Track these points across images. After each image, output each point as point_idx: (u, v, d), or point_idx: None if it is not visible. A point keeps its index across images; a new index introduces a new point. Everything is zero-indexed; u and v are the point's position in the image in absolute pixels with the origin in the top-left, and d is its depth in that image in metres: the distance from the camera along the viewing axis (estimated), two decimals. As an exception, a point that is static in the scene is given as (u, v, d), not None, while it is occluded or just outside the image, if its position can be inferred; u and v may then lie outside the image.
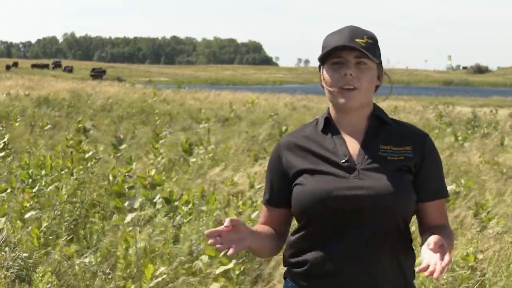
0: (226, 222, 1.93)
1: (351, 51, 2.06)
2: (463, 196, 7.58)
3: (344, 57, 2.07)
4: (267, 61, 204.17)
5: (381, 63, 2.14)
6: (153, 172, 6.24)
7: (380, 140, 2.11)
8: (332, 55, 2.08)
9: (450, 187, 7.22)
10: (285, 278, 2.21)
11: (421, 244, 2.08)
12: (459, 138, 14.18)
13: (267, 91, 37.30)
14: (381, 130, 2.14)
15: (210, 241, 1.93)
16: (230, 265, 4.35)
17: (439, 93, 53.55)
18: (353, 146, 2.11)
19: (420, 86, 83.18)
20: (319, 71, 2.17)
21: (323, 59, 2.12)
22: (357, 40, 2.06)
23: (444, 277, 4.87)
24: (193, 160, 9.43)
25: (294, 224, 2.20)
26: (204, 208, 6.30)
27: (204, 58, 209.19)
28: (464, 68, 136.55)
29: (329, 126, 2.15)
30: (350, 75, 2.06)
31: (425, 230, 2.14)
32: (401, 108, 26.50)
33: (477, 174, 10.00)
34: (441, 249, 1.86)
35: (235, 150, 11.51)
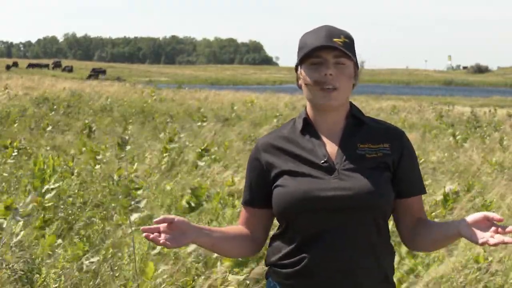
0: (157, 219, 1.98)
1: (330, 51, 2.08)
2: (463, 196, 7.59)
3: (323, 57, 2.09)
4: (267, 61, 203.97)
5: (357, 62, 2.15)
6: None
7: (358, 139, 2.13)
8: (311, 56, 2.09)
9: (449, 187, 7.23)
10: (267, 278, 2.22)
11: (405, 239, 2.21)
12: (459, 138, 14.20)
13: (267, 91, 37.29)
14: (358, 129, 2.16)
15: (144, 234, 1.98)
16: (242, 277, 4.36)
17: (439, 93, 53.53)
18: (331, 146, 2.13)
19: (420, 86, 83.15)
20: (296, 71, 2.18)
21: (301, 60, 2.13)
22: (335, 39, 2.08)
23: (459, 279, 4.88)
24: (202, 163, 9.45)
25: (275, 224, 2.22)
26: (209, 206, 6.34)
27: (204, 58, 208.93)
28: (464, 68, 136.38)
29: (308, 127, 2.16)
30: (330, 75, 2.07)
31: (409, 225, 2.18)
32: (401, 108, 26.51)
33: (477, 174, 10.01)
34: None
35: (236, 152, 11.52)
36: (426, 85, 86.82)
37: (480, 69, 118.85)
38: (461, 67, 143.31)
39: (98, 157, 8.68)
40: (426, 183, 8.48)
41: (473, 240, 1.95)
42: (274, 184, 2.13)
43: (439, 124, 19.35)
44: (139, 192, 6.07)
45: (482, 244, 1.92)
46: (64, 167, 8.05)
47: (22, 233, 4.95)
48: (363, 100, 32.65)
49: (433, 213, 6.84)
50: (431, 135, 15.77)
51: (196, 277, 4.80)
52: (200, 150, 9.67)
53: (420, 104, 28.24)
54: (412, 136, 15.02)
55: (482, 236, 1.93)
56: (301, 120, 2.17)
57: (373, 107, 27.40)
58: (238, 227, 2.24)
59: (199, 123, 16.00)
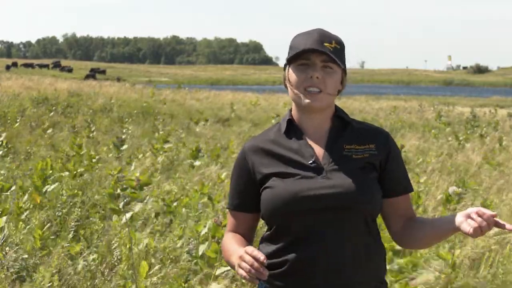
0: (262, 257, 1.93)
1: (320, 54, 2.09)
2: (465, 197, 7.57)
3: (311, 60, 2.11)
4: (267, 61, 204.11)
5: (345, 68, 2.17)
6: (146, 173, 6.29)
7: (344, 140, 2.15)
8: (300, 57, 2.11)
9: (452, 188, 7.23)
10: (258, 280, 2.21)
11: (392, 234, 2.23)
12: (459, 138, 14.19)
13: (267, 91, 37.29)
14: (344, 130, 2.18)
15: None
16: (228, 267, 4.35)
17: (439, 93, 53.54)
18: (317, 147, 2.14)
19: (420, 86, 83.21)
20: (284, 70, 2.20)
21: (290, 60, 2.14)
22: (325, 44, 2.10)
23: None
24: (198, 163, 9.44)
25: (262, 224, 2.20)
26: (207, 209, 6.35)
27: (204, 58, 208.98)
28: (464, 68, 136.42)
29: (293, 129, 2.18)
30: (316, 78, 2.09)
31: (399, 223, 2.20)
32: (402, 108, 26.50)
33: (477, 174, 10.01)
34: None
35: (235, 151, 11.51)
36: (426, 85, 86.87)
37: (480, 69, 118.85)
38: (461, 67, 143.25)
39: (94, 160, 8.66)
40: (421, 182, 8.45)
41: (470, 233, 1.97)
42: (263, 186, 2.13)
43: (438, 123, 19.34)
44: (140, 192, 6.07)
45: (475, 231, 1.95)
46: (64, 171, 8.03)
47: (6, 231, 4.93)
48: (363, 100, 32.63)
49: (434, 214, 6.84)
50: (431, 135, 15.76)
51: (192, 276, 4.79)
52: (193, 150, 9.63)
53: (420, 104, 28.22)
54: (412, 136, 15.01)
55: (474, 225, 1.96)
56: (285, 122, 2.18)
57: (373, 107, 27.39)
58: (237, 237, 2.21)
59: (199, 123, 15.98)
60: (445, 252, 4.79)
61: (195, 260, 4.84)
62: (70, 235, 5.62)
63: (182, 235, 5.48)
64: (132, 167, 8.38)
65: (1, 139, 9.25)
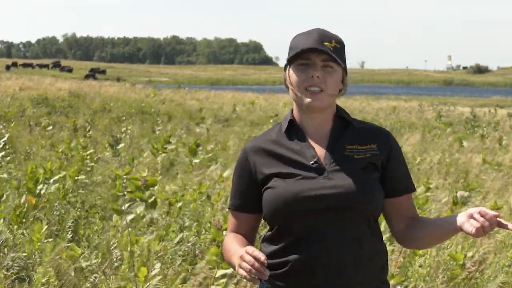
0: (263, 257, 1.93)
1: (320, 54, 2.09)
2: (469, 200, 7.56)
3: (312, 60, 2.10)
4: (267, 61, 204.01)
5: (346, 67, 2.16)
6: (145, 173, 6.28)
7: (346, 140, 2.15)
8: (300, 57, 2.11)
9: (460, 193, 7.24)
10: (259, 280, 2.20)
11: (397, 235, 2.21)
12: (459, 138, 14.18)
13: (267, 91, 37.27)
14: (345, 130, 2.17)
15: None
16: (230, 270, 4.34)
17: (439, 93, 53.52)
18: (319, 147, 2.14)
19: (420, 86, 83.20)
20: (285, 70, 2.19)
21: (290, 60, 2.14)
22: (325, 43, 2.10)
23: (440, 276, 4.88)
24: (197, 161, 9.42)
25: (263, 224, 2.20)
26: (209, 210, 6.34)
27: (204, 58, 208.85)
28: (464, 68, 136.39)
29: (294, 129, 2.17)
30: (317, 77, 2.09)
31: (401, 223, 2.19)
32: (402, 108, 26.49)
33: (477, 174, 10.00)
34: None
35: (235, 151, 11.51)
36: (426, 85, 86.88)
37: (480, 69, 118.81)
38: (461, 67, 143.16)
39: (85, 154, 8.64)
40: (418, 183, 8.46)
41: (473, 233, 1.97)
42: (264, 187, 2.13)
43: (438, 124, 19.34)
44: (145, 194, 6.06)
45: (478, 231, 1.95)
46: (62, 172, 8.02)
47: (6, 232, 4.91)
48: (363, 100, 32.63)
49: (438, 215, 6.84)
50: (431, 135, 15.75)
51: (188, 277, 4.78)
52: (192, 145, 9.60)
53: (420, 104, 28.21)
54: (411, 136, 14.99)
55: (477, 225, 1.96)
56: (287, 122, 2.18)
57: (373, 107, 27.38)
58: (238, 237, 2.21)
59: (200, 125, 15.97)
60: (457, 254, 4.79)
61: (197, 264, 4.83)
62: (69, 235, 5.62)
63: (182, 236, 5.47)
64: (133, 167, 8.37)
65: (4, 139, 9.23)
